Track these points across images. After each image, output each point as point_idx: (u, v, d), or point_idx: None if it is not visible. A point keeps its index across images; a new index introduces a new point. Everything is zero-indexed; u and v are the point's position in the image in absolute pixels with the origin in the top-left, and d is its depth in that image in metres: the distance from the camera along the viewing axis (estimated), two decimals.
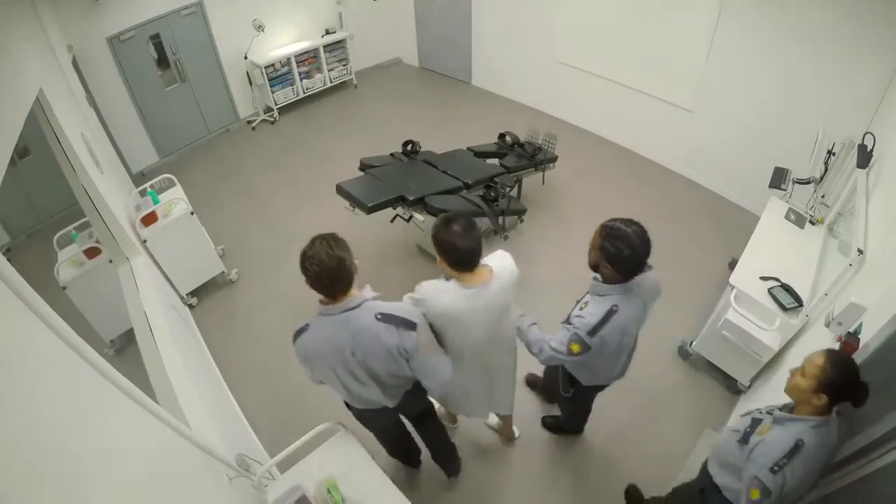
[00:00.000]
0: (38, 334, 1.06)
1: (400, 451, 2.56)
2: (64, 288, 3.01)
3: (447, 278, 1.77)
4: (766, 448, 1.55)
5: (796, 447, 1.50)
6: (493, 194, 3.69)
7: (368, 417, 2.02)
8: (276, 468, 1.93)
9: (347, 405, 2.02)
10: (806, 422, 1.53)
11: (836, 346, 1.84)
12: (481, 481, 2.69)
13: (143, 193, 3.60)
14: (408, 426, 2.37)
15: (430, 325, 1.77)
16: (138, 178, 5.08)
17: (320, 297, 1.59)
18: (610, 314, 1.76)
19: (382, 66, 7.28)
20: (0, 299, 0.97)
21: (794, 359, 2.51)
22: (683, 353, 3.20)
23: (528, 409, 3.00)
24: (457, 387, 2.07)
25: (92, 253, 3.10)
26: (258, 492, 1.85)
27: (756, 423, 1.67)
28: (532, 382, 3.09)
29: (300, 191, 4.84)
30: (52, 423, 0.94)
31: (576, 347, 1.79)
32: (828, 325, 2.01)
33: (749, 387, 2.89)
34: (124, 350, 3.41)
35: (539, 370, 2.94)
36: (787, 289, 2.73)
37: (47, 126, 2.33)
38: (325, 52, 6.24)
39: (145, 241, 3.27)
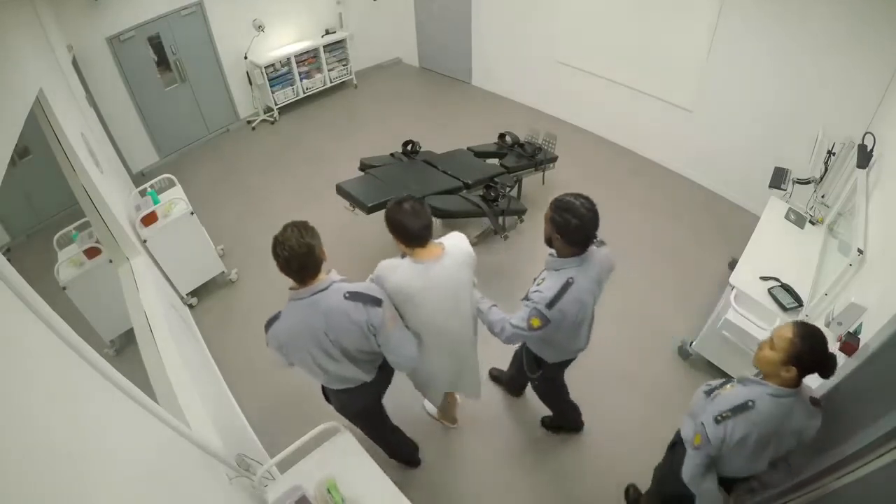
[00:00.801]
0: (38, 334, 1.06)
1: (394, 443, 2.53)
2: (64, 288, 3.01)
3: (403, 256, 1.86)
4: (720, 399, 1.63)
5: (745, 405, 1.54)
6: (493, 194, 3.70)
7: (351, 402, 2.06)
8: (276, 468, 1.93)
9: (327, 398, 2.11)
10: (765, 387, 1.56)
11: (837, 346, 1.84)
12: (482, 479, 2.69)
13: (143, 193, 3.60)
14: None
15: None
16: (138, 178, 5.09)
17: (291, 283, 1.68)
18: (566, 286, 1.83)
19: (382, 66, 7.28)
20: (0, 299, 0.97)
21: None
22: (683, 353, 3.20)
23: (527, 410, 3.00)
24: (424, 369, 2.14)
25: (92, 253, 3.10)
26: (258, 492, 1.85)
27: (726, 382, 1.74)
28: (497, 377, 3.08)
29: (300, 191, 4.84)
30: (51, 423, 0.94)
31: (536, 322, 1.84)
32: (828, 325, 2.02)
33: None
34: (124, 350, 3.41)
35: (502, 363, 2.93)
36: (787, 289, 2.73)
37: (47, 126, 2.33)
38: (325, 52, 6.24)
39: (145, 241, 3.27)
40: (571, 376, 3.06)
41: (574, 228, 1.76)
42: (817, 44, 3.46)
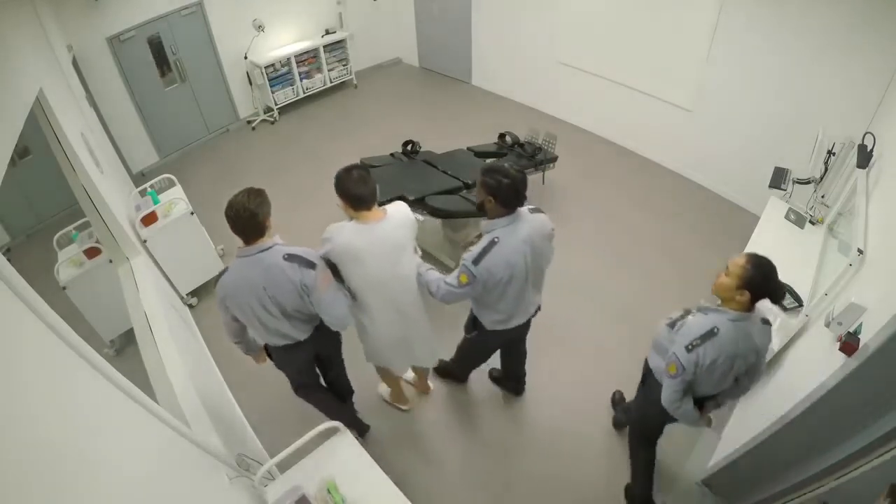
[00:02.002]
0: (38, 334, 1.05)
1: (320, 400, 2.64)
2: (64, 288, 3.01)
3: (350, 220, 2.03)
4: (686, 329, 1.80)
5: (711, 332, 1.73)
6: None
7: (291, 354, 2.20)
8: (276, 468, 1.93)
9: (269, 354, 2.27)
10: (725, 314, 1.74)
11: (837, 346, 1.84)
12: (481, 478, 2.69)
13: (143, 193, 3.60)
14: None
15: (336, 264, 2.03)
16: (138, 178, 5.08)
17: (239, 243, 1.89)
18: (491, 245, 1.97)
19: (382, 66, 7.28)
20: (0, 299, 0.97)
21: (795, 359, 2.51)
22: None
23: (527, 411, 3.00)
24: (373, 331, 2.28)
25: (92, 253, 3.10)
26: (258, 492, 1.85)
27: (687, 313, 1.90)
28: (497, 378, 3.11)
29: (300, 190, 4.84)
30: (51, 423, 0.94)
31: (464, 278, 2.00)
32: (828, 325, 2.01)
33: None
34: (124, 350, 3.41)
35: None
36: (787, 289, 2.73)
37: (47, 126, 2.33)
38: (325, 52, 6.24)
39: (145, 241, 3.27)
40: (571, 377, 3.06)
41: (506, 187, 1.89)
42: (817, 44, 3.46)
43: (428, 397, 3.07)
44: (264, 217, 1.85)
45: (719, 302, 1.81)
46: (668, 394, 1.89)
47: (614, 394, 2.96)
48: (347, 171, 1.94)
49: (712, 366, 1.75)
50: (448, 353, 2.92)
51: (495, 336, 2.37)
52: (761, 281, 1.67)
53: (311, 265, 1.90)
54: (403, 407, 2.99)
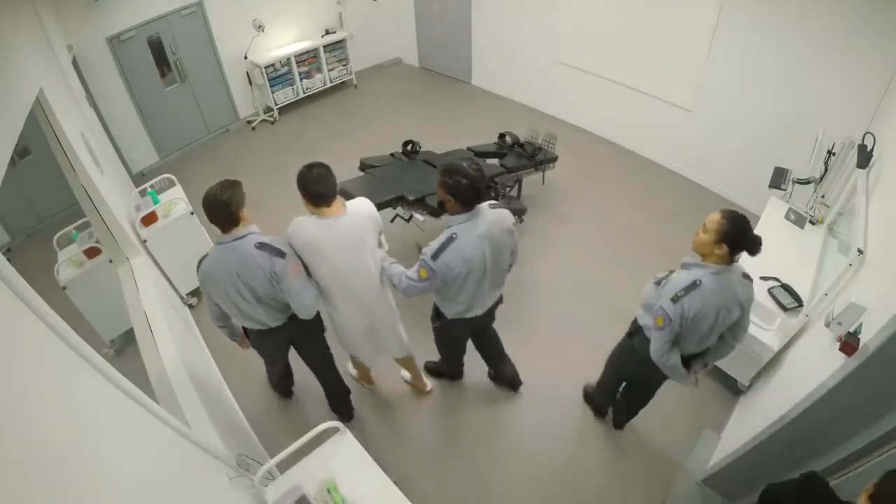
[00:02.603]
0: (38, 334, 1.05)
1: (278, 380, 2.90)
2: (64, 288, 3.01)
3: (311, 215, 2.09)
4: (671, 284, 1.91)
5: (694, 284, 1.85)
6: (492, 194, 3.69)
7: (264, 340, 2.32)
8: (276, 468, 1.93)
9: (246, 334, 2.36)
10: (707, 268, 1.86)
11: (837, 346, 1.84)
12: (482, 477, 2.69)
13: (143, 193, 3.60)
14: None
15: (301, 258, 2.11)
16: (138, 178, 5.08)
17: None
18: (450, 240, 2.03)
19: (382, 66, 7.28)
20: (0, 299, 0.97)
21: (795, 359, 2.51)
22: None
23: (528, 410, 3.00)
24: (341, 322, 2.39)
25: (92, 253, 3.10)
26: (258, 492, 1.85)
27: (671, 272, 2.01)
28: (494, 378, 3.14)
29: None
30: (51, 423, 0.94)
31: (423, 272, 2.07)
32: (828, 325, 2.01)
33: (749, 387, 2.88)
34: (124, 350, 3.41)
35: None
36: (787, 289, 2.73)
37: (47, 126, 2.33)
38: (325, 52, 6.24)
39: (145, 241, 3.27)
40: (571, 377, 3.06)
41: (465, 187, 1.95)
42: (817, 44, 3.46)
43: (428, 396, 3.08)
44: (237, 207, 1.95)
45: (701, 259, 1.91)
46: (656, 346, 1.98)
47: (585, 388, 2.99)
48: (308, 168, 2.01)
49: (697, 316, 1.86)
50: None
51: (459, 325, 2.44)
52: (737, 234, 1.78)
53: (281, 254, 2.00)
54: (368, 385, 3.11)
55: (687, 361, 2.08)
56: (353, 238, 2.12)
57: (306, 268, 2.15)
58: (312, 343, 2.50)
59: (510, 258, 2.32)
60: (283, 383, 2.99)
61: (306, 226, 2.07)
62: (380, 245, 2.29)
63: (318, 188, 1.99)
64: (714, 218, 1.82)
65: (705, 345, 2.05)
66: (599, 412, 2.91)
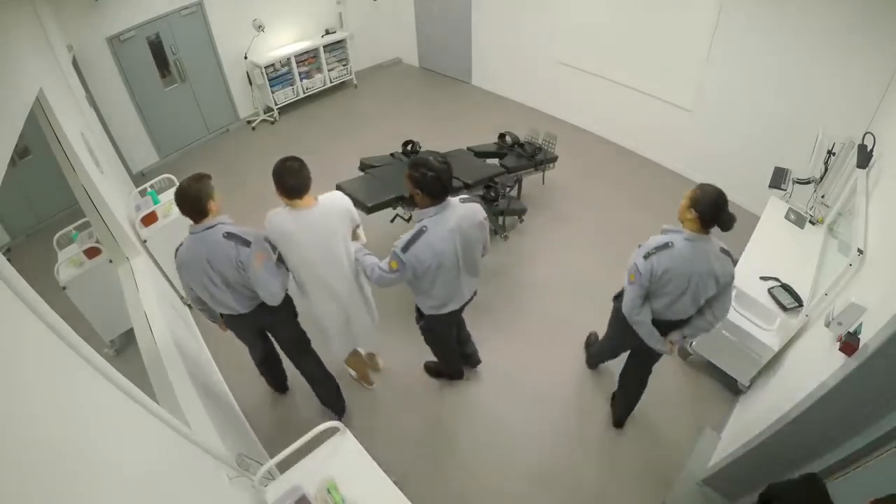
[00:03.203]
0: (38, 334, 1.05)
1: (266, 370, 2.92)
2: (64, 288, 3.01)
3: (285, 206, 2.18)
4: (647, 244, 2.06)
5: (666, 245, 2.00)
6: (493, 194, 3.70)
7: (237, 324, 2.43)
8: (276, 468, 1.93)
9: (222, 316, 2.42)
10: (681, 233, 2.01)
11: (837, 346, 1.84)
12: (483, 477, 2.69)
13: (143, 193, 3.60)
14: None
15: (275, 248, 2.21)
16: (138, 178, 5.08)
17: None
18: (419, 233, 2.09)
19: (382, 66, 7.28)
20: (0, 299, 0.97)
21: (795, 359, 2.51)
22: (683, 353, 3.20)
23: (528, 410, 3.00)
24: (314, 313, 2.44)
25: (92, 253, 3.10)
26: (258, 492, 1.85)
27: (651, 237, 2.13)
28: (432, 370, 3.23)
29: None
30: (51, 423, 0.94)
31: (394, 264, 2.14)
32: (828, 325, 2.01)
33: (749, 387, 2.89)
34: (124, 350, 3.41)
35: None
36: (787, 289, 2.73)
37: (47, 126, 2.33)
38: (325, 52, 6.24)
39: (145, 241, 3.27)
40: (571, 377, 3.06)
41: (431, 180, 2.01)
42: (817, 43, 3.46)
43: (372, 389, 3.14)
44: (206, 199, 2.06)
45: (682, 227, 2.04)
46: (627, 300, 2.14)
47: (589, 336, 3.24)
48: (283, 161, 2.11)
49: (665, 275, 2.00)
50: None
51: (440, 320, 2.48)
52: (705, 201, 1.89)
53: (247, 243, 2.09)
54: (367, 385, 3.12)
55: (666, 331, 2.23)
56: (323, 229, 2.20)
57: (282, 257, 2.25)
58: (284, 328, 2.57)
59: (482, 251, 2.37)
60: (271, 374, 3.00)
61: (280, 216, 2.16)
62: (355, 238, 2.38)
63: (291, 181, 2.09)
64: (692, 189, 1.97)
65: (682, 313, 2.14)
66: (591, 361, 3.10)
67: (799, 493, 1.69)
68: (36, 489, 0.80)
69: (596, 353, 3.02)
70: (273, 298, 2.22)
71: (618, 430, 2.87)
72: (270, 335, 2.66)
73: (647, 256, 2.02)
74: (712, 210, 1.89)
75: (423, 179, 2.01)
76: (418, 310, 2.50)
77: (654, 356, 2.48)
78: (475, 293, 2.55)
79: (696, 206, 1.91)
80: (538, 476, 2.70)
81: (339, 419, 2.86)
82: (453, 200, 2.15)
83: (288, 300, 2.42)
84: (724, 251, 2.02)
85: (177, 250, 2.17)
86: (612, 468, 2.71)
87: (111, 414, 1.21)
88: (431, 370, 3.18)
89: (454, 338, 2.88)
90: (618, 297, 2.41)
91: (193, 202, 2.05)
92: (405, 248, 2.09)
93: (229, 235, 2.08)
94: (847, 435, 1.77)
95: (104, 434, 1.12)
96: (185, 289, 2.28)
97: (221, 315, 2.41)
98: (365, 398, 3.11)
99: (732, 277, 2.05)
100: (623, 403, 2.79)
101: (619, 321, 2.38)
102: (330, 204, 2.23)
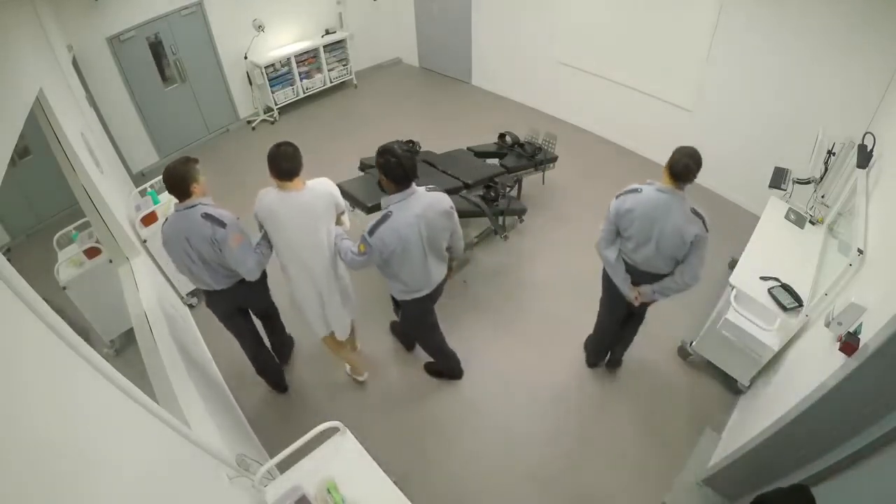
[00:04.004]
0: (38, 334, 1.05)
1: (255, 355, 2.93)
2: (64, 288, 3.01)
3: (276, 187, 2.31)
4: (622, 189, 2.33)
5: (635, 190, 2.30)
6: (493, 194, 3.69)
7: (215, 300, 2.57)
8: (276, 468, 1.93)
9: (205, 293, 2.56)
10: (654, 185, 2.26)
11: (837, 346, 1.84)
12: (483, 476, 2.69)
13: (143, 193, 3.60)
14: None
15: (262, 223, 2.36)
16: (138, 178, 5.08)
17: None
18: (385, 218, 2.21)
19: (382, 66, 7.28)
20: (0, 299, 0.97)
21: (795, 359, 2.51)
22: (683, 353, 3.20)
23: (528, 409, 3.00)
24: (294, 293, 2.58)
25: (92, 253, 3.10)
26: (258, 492, 1.85)
27: None
28: (393, 328, 3.40)
29: None
30: (51, 423, 0.94)
31: (362, 247, 2.26)
32: (828, 325, 2.01)
33: (749, 387, 2.89)
34: (124, 350, 3.41)
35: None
36: (787, 289, 2.73)
37: (47, 126, 2.33)
38: (325, 52, 6.24)
39: (145, 241, 3.27)
40: (571, 376, 3.06)
41: (394, 165, 2.13)
42: (817, 43, 3.46)
43: (364, 380, 3.18)
44: (190, 181, 2.23)
45: None
46: (599, 237, 2.48)
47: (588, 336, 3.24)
48: (278, 146, 2.26)
49: (629, 214, 2.27)
50: (397, 342, 3.12)
51: (414, 305, 2.57)
52: (673, 157, 2.17)
53: (222, 224, 2.25)
54: (360, 378, 3.16)
55: (637, 280, 2.47)
56: (307, 212, 2.31)
57: (268, 236, 2.41)
58: (257, 301, 2.78)
59: (451, 240, 2.49)
60: (266, 368, 3.01)
61: (269, 195, 2.31)
62: (340, 223, 2.52)
63: (285, 164, 2.23)
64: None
65: (653, 266, 2.37)
66: (591, 358, 3.15)
67: (788, 501, 1.70)
68: (36, 489, 0.80)
69: (595, 329, 3.04)
70: (250, 275, 2.37)
71: (615, 368, 3.11)
72: (251, 310, 2.82)
73: (617, 196, 2.33)
74: (675, 166, 2.14)
75: (388, 165, 2.14)
76: (394, 300, 2.62)
77: (637, 315, 2.73)
78: (445, 278, 2.63)
79: (669, 166, 2.17)
80: (538, 476, 2.70)
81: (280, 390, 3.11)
82: (420, 189, 2.26)
83: (262, 278, 2.59)
84: (695, 213, 2.18)
85: (162, 226, 2.35)
86: (612, 468, 2.71)
87: (111, 414, 1.21)
88: (431, 370, 3.18)
89: (437, 325, 2.91)
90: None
91: (178, 182, 2.22)
92: (371, 232, 2.21)
93: (206, 216, 2.23)
94: (847, 435, 1.77)
95: (104, 434, 1.12)
96: (176, 266, 2.44)
97: (204, 292, 2.56)
98: (365, 398, 3.11)
99: (698, 238, 2.18)
100: (620, 345, 3.02)
101: (604, 279, 2.65)
102: (317, 189, 2.35)
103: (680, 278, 2.36)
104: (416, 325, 2.85)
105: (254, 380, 3.21)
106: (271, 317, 3.01)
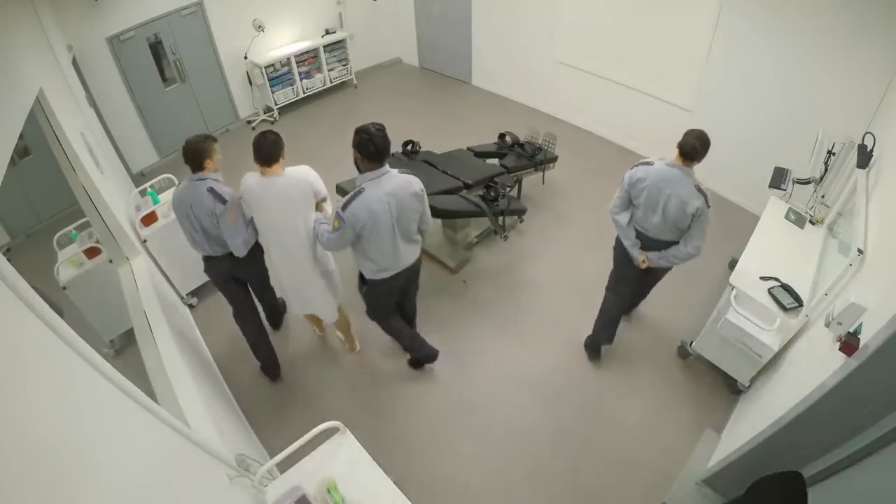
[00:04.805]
0: (38, 334, 1.05)
1: (246, 327, 3.05)
2: (64, 288, 3.01)
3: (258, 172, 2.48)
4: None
5: (648, 162, 2.54)
6: (493, 194, 3.69)
7: (211, 266, 2.75)
8: (276, 468, 1.93)
9: (203, 259, 2.74)
10: (666, 160, 2.49)
11: (837, 346, 1.84)
12: (484, 474, 2.69)
13: (143, 193, 3.60)
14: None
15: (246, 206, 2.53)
16: (138, 178, 5.08)
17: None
18: (357, 193, 2.32)
19: (382, 66, 7.28)
20: (0, 299, 0.97)
21: (795, 359, 2.51)
22: (683, 353, 3.21)
23: (529, 409, 3.00)
24: (276, 273, 2.79)
25: (92, 253, 3.10)
26: (258, 492, 1.85)
27: None
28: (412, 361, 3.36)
29: None
30: (51, 423, 0.94)
31: (336, 223, 2.38)
32: (828, 325, 2.01)
33: (749, 387, 2.88)
34: (124, 350, 3.41)
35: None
36: (787, 289, 2.73)
37: (47, 126, 2.33)
38: (325, 52, 6.24)
39: (145, 241, 3.27)
40: (571, 376, 3.05)
41: (366, 142, 2.25)
42: (817, 43, 3.46)
43: (359, 354, 3.34)
44: (204, 156, 2.44)
45: None
46: (612, 203, 2.72)
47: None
48: (262, 134, 2.44)
49: (640, 183, 2.52)
50: (397, 343, 3.12)
51: (382, 285, 2.67)
52: (683, 139, 2.38)
53: (223, 200, 2.45)
54: (350, 349, 3.34)
55: (650, 250, 2.68)
56: (285, 196, 2.47)
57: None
58: (245, 274, 2.90)
59: (421, 223, 2.59)
60: (258, 342, 3.09)
61: (252, 178, 2.49)
62: (319, 209, 2.64)
63: (265, 150, 2.40)
64: None
65: (661, 233, 2.59)
66: (597, 347, 3.21)
67: (780, 487, 1.73)
68: (35, 489, 0.80)
69: (602, 306, 3.11)
70: (237, 250, 2.59)
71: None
72: (246, 280, 2.97)
73: (632, 167, 2.57)
74: (684, 146, 2.37)
75: (361, 142, 2.26)
76: (361, 276, 2.74)
77: (648, 279, 2.92)
78: (419, 260, 2.73)
79: (680, 142, 2.39)
80: (538, 476, 2.70)
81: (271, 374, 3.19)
82: (393, 171, 2.37)
83: (252, 253, 2.70)
84: (699, 189, 2.41)
85: (174, 189, 2.57)
86: (612, 468, 2.72)
87: (111, 414, 1.21)
88: (411, 363, 3.25)
89: (394, 307, 2.97)
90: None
91: (194, 155, 2.43)
92: (344, 207, 2.32)
93: (211, 191, 2.43)
94: (847, 435, 1.77)
95: (104, 434, 1.12)
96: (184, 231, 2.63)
97: (203, 258, 2.73)
98: (365, 398, 3.11)
99: (700, 211, 2.40)
100: (631, 304, 3.29)
101: (616, 248, 2.89)
102: (294, 176, 2.49)
103: (683, 247, 2.57)
104: (374, 303, 2.91)
105: (254, 380, 3.21)
106: (263, 287, 3.16)
